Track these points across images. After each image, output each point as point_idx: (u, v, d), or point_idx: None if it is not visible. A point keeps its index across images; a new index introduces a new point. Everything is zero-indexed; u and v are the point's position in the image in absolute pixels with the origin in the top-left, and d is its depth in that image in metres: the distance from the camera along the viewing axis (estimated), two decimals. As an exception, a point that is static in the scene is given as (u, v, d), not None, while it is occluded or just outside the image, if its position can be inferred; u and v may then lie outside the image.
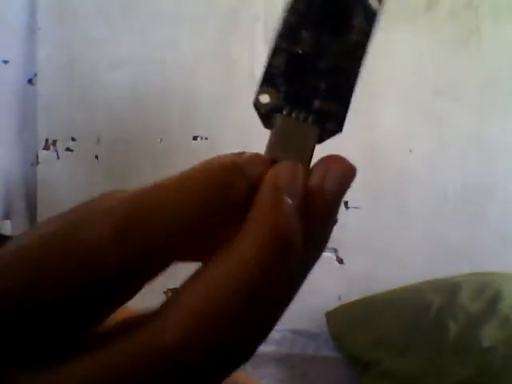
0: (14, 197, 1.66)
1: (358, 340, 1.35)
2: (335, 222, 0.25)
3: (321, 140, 0.30)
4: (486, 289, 1.25)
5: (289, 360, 1.46)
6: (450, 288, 1.30)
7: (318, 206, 0.24)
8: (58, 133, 1.66)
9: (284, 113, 0.29)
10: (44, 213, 1.63)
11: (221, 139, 1.64)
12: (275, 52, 0.32)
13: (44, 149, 1.66)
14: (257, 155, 0.26)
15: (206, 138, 1.64)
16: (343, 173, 0.28)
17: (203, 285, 0.21)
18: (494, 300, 1.20)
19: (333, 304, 1.58)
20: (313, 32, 0.30)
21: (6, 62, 1.62)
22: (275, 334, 1.60)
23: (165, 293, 1.42)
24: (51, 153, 1.66)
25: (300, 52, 0.31)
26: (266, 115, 0.30)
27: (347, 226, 1.66)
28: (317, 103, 0.30)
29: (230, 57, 1.62)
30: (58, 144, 1.66)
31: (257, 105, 0.30)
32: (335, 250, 1.66)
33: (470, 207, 1.64)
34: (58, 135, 1.66)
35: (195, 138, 1.64)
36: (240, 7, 1.62)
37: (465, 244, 1.64)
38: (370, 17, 0.31)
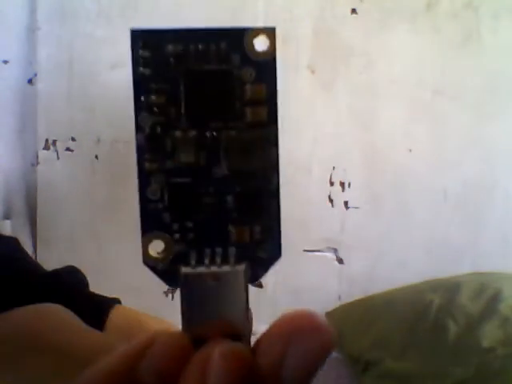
0: (14, 197, 1.66)
1: (358, 340, 1.35)
2: None
3: (255, 279, 0.21)
4: (486, 289, 1.25)
5: (289, 360, 1.46)
6: (450, 288, 1.30)
7: None
8: (58, 133, 1.66)
9: (192, 261, 0.20)
10: (44, 213, 1.63)
11: (221, 139, 1.64)
12: (148, 178, 0.22)
13: (44, 149, 1.66)
14: (167, 340, 0.19)
15: (206, 138, 1.64)
16: (316, 349, 0.17)
17: None
18: (494, 300, 1.20)
19: (333, 304, 1.59)
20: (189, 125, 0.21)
21: (5, 62, 1.62)
22: (275, 333, 1.60)
23: (165, 293, 1.42)
24: (51, 153, 1.66)
25: (181, 165, 0.21)
26: (167, 272, 0.20)
27: (347, 226, 1.66)
28: (233, 231, 0.20)
29: (230, 57, 1.62)
30: (57, 144, 1.66)
31: (148, 262, 0.21)
32: (335, 250, 1.66)
33: (470, 207, 1.64)
34: (58, 135, 1.66)
35: (195, 138, 1.64)
36: (240, 7, 1.62)
37: (465, 244, 1.64)
38: (263, 69, 0.21)
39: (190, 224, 0.20)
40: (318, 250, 1.67)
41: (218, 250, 0.20)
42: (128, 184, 1.76)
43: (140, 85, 0.25)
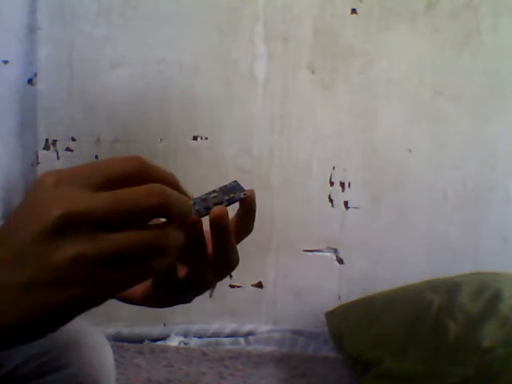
0: (14, 197, 1.66)
1: (358, 340, 1.35)
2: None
3: None
4: (486, 289, 1.24)
5: (289, 360, 1.46)
6: (450, 288, 1.30)
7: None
8: (58, 133, 1.66)
9: None
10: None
11: (221, 139, 1.64)
12: None
13: (44, 149, 1.66)
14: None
15: (206, 138, 1.64)
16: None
17: None
18: (494, 300, 1.20)
19: (333, 304, 1.59)
20: None
21: (5, 62, 1.62)
22: (275, 334, 1.60)
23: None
24: (51, 153, 1.67)
25: None
26: None
27: (347, 226, 1.66)
28: None
29: (230, 57, 1.63)
30: (57, 144, 1.66)
31: None
32: (335, 250, 1.66)
33: (470, 207, 1.64)
34: (58, 135, 1.66)
35: (195, 138, 1.64)
36: (240, 7, 1.62)
37: (465, 244, 1.64)
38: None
39: None
40: (318, 250, 1.67)
41: None
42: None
43: None
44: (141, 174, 0.34)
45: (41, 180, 0.32)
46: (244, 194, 0.40)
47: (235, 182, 0.42)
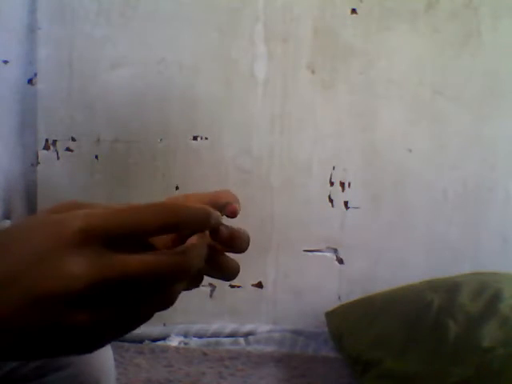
0: (14, 197, 1.66)
1: (358, 340, 1.35)
2: None
3: None
4: (486, 289, 1.24)
5: (289, 360, 1.46)
6: (450, 288, 1.30)
7: None
8: (58, 133, 1.66)
9: None
10: (44, 213, 1.63)
11: (221, 139, 1.64)
12: None
13: (44, 149, 1.66)
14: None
15: (206, 138, 1.64)
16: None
17: None
18: (494, 300, 1.20)
19: (333, 304, 1.58)
20: None
21: (5, 62, 1.62)
22: (275, 334, 1.60)
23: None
24: (51, 153, 1.66)
25: None
26: None
27: (347, 226, 1.66)
28: None
29: (230, 57, 1.63)
30: (57, 144, 1.66)
31: None
32: (335, 250, 1.66)
33: (470, 207, 1.64)
34: (58, 135, 1.66)
35: (195, 138, 1.64)
36: (240, 7, 1.62)
37: (465, 244, 1.64)
38: None
39: None
40: (318, 250, 1.67)
41: None
42: (128, 184, 1.77)
43: None
44: (170, 229, 0.33)
45: (66, 227, 0.31)
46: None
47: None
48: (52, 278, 0.29)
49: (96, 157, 1.66)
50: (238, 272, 0.40)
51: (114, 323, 0.31)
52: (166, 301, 0.33)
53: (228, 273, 0.40)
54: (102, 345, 0.32)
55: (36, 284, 0.29)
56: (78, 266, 0.29)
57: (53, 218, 0.31)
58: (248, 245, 0.40)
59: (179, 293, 0.33)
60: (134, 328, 0.33)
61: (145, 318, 0.32)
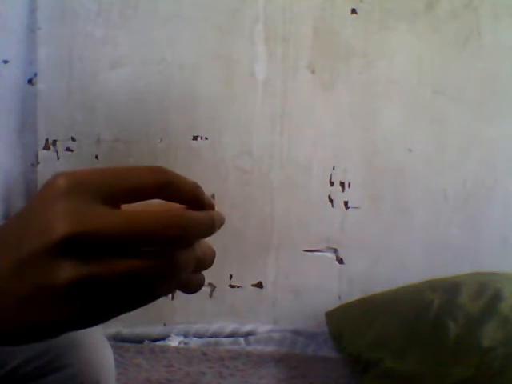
0: (14, 197, 1.66)
1: (358, 340, 1.35)
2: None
3: None
4: (486, 289, 1.24)
5: (289, 360, 1.46)
6: (450, 288, 1.30)
7: None
8: (58, 133, 1.66)
9: None
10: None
11: (221, 139, 1.64)
12: None
13: (44, 149, 1.66)
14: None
15: (206, 138, 1.64)
16: None
17: None
18: (494, 300, 1.20)
19: (333, 304, 1.59)
20: None
21: (5, 61, 1.62)
22: (275, 334, 1.60)
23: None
24: (51, 153, 1.67)
25: None
26: None
27: (347, 226, 1.66)
28: None
29: (230, 57, 1.63)
30: (57, 144, 1.66)
31: None
32: (335, 250, 1.66)
33: (470, 207, 1.64)
34: (58, 135, 1.66)
35: (195, 138, 1.64)
36: (240, 7, 1.62)
37: (465, 244, 1.64)
38: None
39: None
40: (318, 250, 1.67)
41: None
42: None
43: None
44: (163, 188, 0.32)
45: (53, 182, 0.30)
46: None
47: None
48: (33, 234, 0.29)
49: (96, 157, 1.66)
50: (202, 285, 0.38)
51: (105, 283, 0.29)
52: (146, 299, 0.31)
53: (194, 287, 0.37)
54: (95, 314, 0.30)
55: (18, 246, 0.30)
56: (57, 217, 0.29)
57: (39, 210, 0.31)
58: (212, 262, 0.37)
59: (164, 293, 0.32)
60: (129, 303, 0.31)
61: (118, 311, 0.31)
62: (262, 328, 1.62)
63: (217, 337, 1.60)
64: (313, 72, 1.63)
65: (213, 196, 0.35)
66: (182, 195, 0.33)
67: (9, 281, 0.30)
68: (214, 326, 1.63)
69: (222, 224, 0.35)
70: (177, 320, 1.63)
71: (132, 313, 0.33)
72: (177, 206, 0.33)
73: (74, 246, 0.28)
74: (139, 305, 0.31)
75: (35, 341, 0.31)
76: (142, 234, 0.29)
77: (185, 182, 0.33)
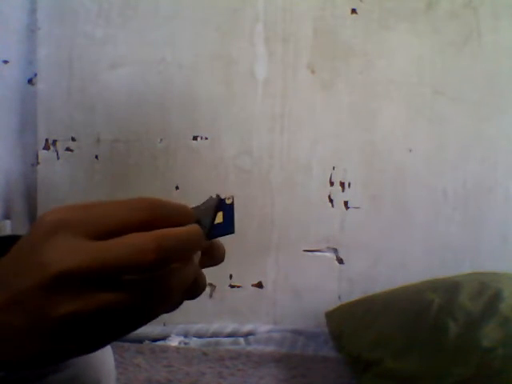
0: (14, 197, 1.66)
1: (358, 340, 1.35)
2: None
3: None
4: (486, 289, 1.24)
5: (289, 360, 1.46)
6: (450, 288, 1.30)
7: None
8: (58, 133, 1.66)
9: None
10: (44, 213, 1.63)
11: (221, 139, 1.64)
12: None
13: (44, 149, 1.66)
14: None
15: (206, 138, 1.64)
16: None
17: None
18: (494, 300, 1.19)
19: (333, 304, 1.58)
20: None
21: (5, 62, 1.62)
22: (275, 334, 1.60)
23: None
24: (51, 153, 1.67)
25: None
26: None
27: (347, 226, 1.66)
28: None
29: (230, 57, 1.63)
30: (58, 144, 1.66)
31: None
32: (335, 250, 1.66)
33: (470, 207, 1.64)
34: (58, 135, 1.66)
35: (195, 138, 1.64)
36: (240, 7, 1.62)
37: (465, 244, 1.64)
38: None
39: None
40: (318, 250, 1.67)
41: None
42: (128, 184, 1.77)
43: None
44: (147, 226, 0.33)
45: (40, 222, 0.33)
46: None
47: (215, 199, 0.40)
48: (25, 271, 0.32)
49: (96, 157, 1.66)
50: (203, 288, 0.40)
51: (89, 316, 0.31)
52: (134, 327, 0.33)
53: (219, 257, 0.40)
54: (99, 338, 0.33)
55: (14, 281, 0.32)
56: (50, 255, 0.31)
57: (30, 249, 0.33)
58: (224, 256, 0.40)
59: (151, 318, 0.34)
60: (130, 323, 0.33)
61: (114, 337, 0.33)
62: (262, 328, 1.62)
63: (217, 337, 1.60)
64: (313, 72, 1.63)
65: (217, 196, 0.36)
66: (169, 227, 0.34)
67: (7, 314, 0.32)
68: (214, 326, 1.63)
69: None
70: (177, 320, 1.63)
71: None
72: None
73: (64, 283, 0.31)
74: (131, 329, 0.34)
75: (35, 368, 0.34)
76: (116, 265, 0.31)
77: (170, 214, 0.34)
